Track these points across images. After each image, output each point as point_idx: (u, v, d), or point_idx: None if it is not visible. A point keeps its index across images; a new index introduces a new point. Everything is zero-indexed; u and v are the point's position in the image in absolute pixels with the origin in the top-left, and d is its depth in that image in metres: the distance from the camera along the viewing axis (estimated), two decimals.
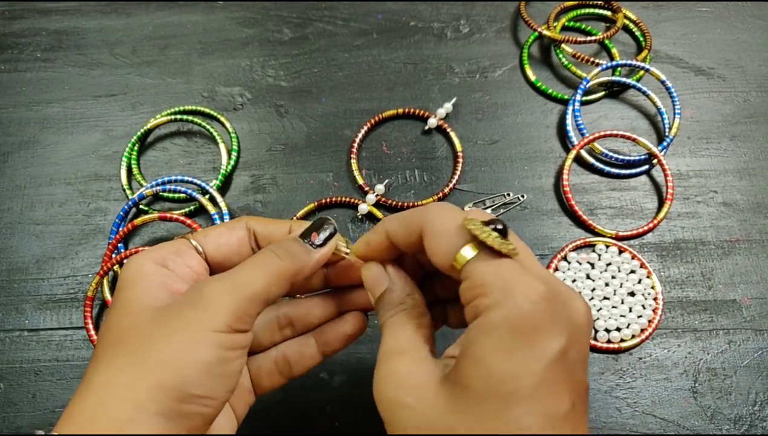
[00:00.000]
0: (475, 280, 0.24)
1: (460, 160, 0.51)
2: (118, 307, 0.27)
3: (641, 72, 0.54)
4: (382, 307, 0.29)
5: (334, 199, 0.49)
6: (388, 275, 0.29)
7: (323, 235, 0.29)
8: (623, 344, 0.44)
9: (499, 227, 0.24)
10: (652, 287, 0.46)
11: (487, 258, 0.24)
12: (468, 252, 0.24)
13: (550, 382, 0.22)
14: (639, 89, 0.53)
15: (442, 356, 0.30)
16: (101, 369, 0.25)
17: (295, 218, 0.48)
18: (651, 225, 0.48)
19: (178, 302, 0.26)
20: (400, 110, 0.53)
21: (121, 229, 0.47)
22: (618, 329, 0.44)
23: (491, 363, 0.22)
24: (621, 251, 0.47)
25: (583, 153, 0.51)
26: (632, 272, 0.46)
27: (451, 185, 0.50)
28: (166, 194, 0.50)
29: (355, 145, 0.51)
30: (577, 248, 0.48)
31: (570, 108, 0.52)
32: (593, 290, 0.46)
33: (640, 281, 0.46)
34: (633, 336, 0.44)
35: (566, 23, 0.58)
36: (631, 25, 0.58)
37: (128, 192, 0.50)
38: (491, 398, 0.22)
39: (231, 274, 0.27)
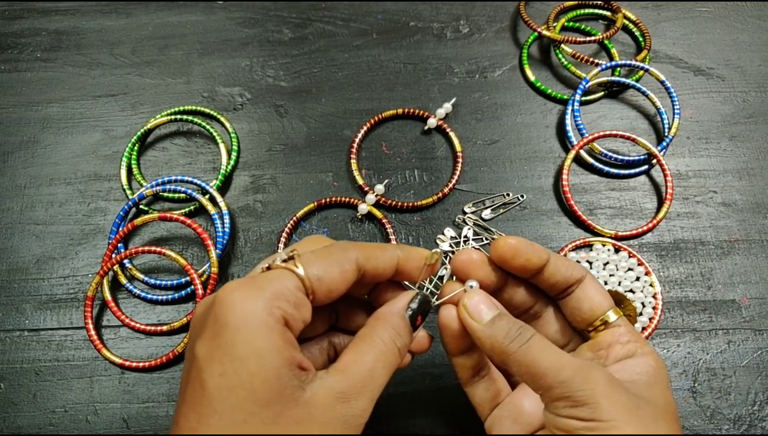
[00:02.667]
0: (628, 333, 0.32)
1: (460, 160, 0.51)
2: (245, 368, 0.24)
3: (641, 72, 0.54)
4: (504, 327, 0.29)
5: (333, 199, 0.49)
6: (495, 303, 0.31)
7: (424, 314, 0.31)
8: None
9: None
10: (651, 286, 0.46)
11: (628, 322, 0.32)
12: (613, 314, 0.32)
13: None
14: (638, 89, 0.53)
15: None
16: None
17: (295, 217, 0.48)
18: (650, 225, 0.48)
19: (325, 408, 0.25)
20: (400, 110, 0.53)
21: (121, 229, 0.47)
22: None
23: (669, 398, 0.30)
24: (618, 250, 0.47)
25: (583, 153, 0.51)
26: (629, 269, 0.46)
27: (450, 185, 0.50)
28: (166, 194, 0.50)
29: (355, 145, 0.51)
30: (576, 248, 0.48)
31: (569, 108, 0.52)
32: None
33: (638, 279, 0.46)
34: None
35: (566, 23, 0.58)
36: (631, 26, 0.58)
37: (128, 192, 0.50)
38: (674, 421, 0.29)
39: (368, 379, 0.27)
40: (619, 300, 0.32)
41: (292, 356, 0.25)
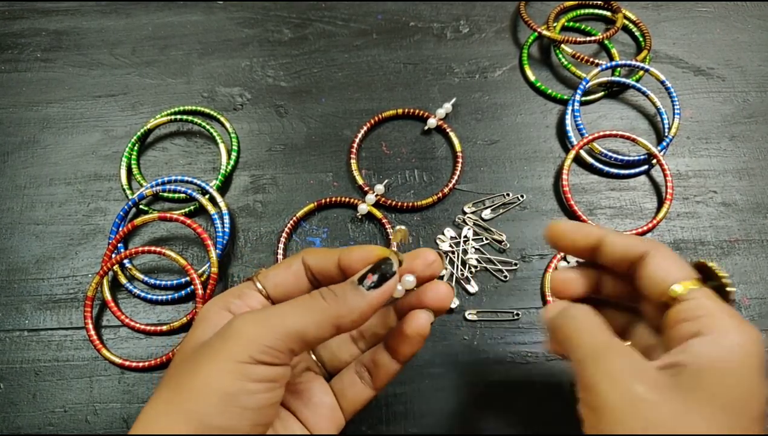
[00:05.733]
0: (703, 306, 0.26)
1: (460, 160, 0.51)
2: (180, 349, 0.30)
3: (641, 72, 0.54)
4: (555, 309, 0.31)
5: (333, 199, 0.49)
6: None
7: (377, 275, 0.28)
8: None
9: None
10: None
11: (711, 294, 0.27)
12: (689, 285, 0.27)
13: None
14: (638, 89, 0.53)
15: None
16: (151, 400, 0.27)
17: (295, 217, 0.48)
18: (650, 225, 0.48)
19: (213, 336, 0.27)
20: (400, 110, 0.53)
21: (121, 229, 0.47)
22: None
23: (734, 384, 0.24)
24: None
25: (583, 153, 0.51)
26: None
27: (450, 185, 0.50)
28: (166, 194, 0.50)
29: (355, 145, 0.51)
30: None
31: (569, 108, 0.52)
32: None
33: None
34: None
35: (566, 23, 0.58)
36: (631, 26, 0.58)
37: (128, 192, 0.50)
38: (728, 411, 0.24)
39: (267, 309, 0.28)
40: (709, 275, 0.29)
41: (219, 324, 0.29)
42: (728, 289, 0.28)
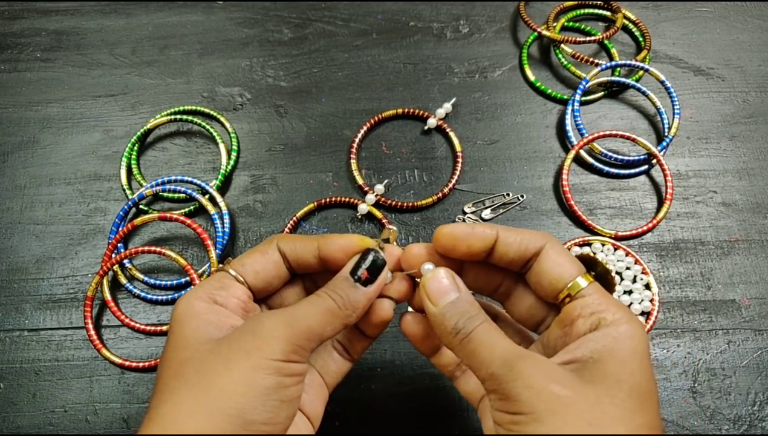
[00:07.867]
0: (595, 302, 0.28)
1: (460, 160, 0.51)
2: (174, 342, 0.29)
3: (640, 72, 0.54)
4: (454, 316, 0.29)
5: (333, 199, 0.49)
6: (457, 284, 0.30)
7: (371, 269, 0.30)
8: None
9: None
10: (647, 286, 0.46)
11: (600, 289, 0.29)
12: (582, 281, 0.29)
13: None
14: (638, 89, 0.53)
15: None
16: (165, 400, 0.27)
17: (295, 217, 0.48)
18: (650, 225, 0.48)
19: (238, 334, 0.28)
20: (400, 110, 0.53)
21: (120, 229, 0.47)
22: None
23: (633, 369, 0.26)
24: (616, 249, 0.47)
25: (583, 153, 0.51)
26: (627, 268, 0.46)
27: (450, 185, 0.50)
28: (165, 194, 0.50)
29: (355, 145, 0.51)
30: (575, 247, 0.48)
31: (569, 108, 0.52)
32: None
33: (635, 280, 0.46)
34: None
35: (566, 23, 0.58)
36: (631, 26, 0.58)
37: (128, 192, 0.50)
38: (634, 395, 0.25)
39: (289, 309, 0.29)
40: (591, 265, 0.30)
41: (219, 320, 0.29)
42: (612, 276, 0.31)
